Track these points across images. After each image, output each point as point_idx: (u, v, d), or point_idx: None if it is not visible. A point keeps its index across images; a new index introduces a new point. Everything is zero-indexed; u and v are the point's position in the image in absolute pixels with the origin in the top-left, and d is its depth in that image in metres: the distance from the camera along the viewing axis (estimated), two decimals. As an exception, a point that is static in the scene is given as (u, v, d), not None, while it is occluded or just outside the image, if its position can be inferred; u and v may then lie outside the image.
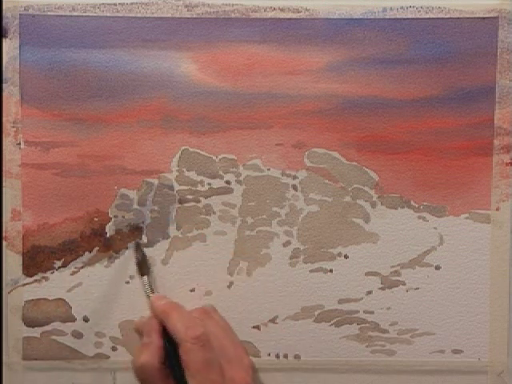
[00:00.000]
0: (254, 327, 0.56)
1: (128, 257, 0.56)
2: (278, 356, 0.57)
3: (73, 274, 0.56)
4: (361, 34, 0.55)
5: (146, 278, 0.55)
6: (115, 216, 0.56)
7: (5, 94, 0.55)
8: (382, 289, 0.56)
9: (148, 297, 0.54)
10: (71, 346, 0.57)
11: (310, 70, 0.55)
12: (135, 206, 0.56)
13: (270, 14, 0.55)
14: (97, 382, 0.57)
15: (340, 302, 0.56)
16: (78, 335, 0.57)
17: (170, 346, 0.50)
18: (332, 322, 0.56)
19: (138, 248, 0.56)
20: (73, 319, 0.57)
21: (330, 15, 0.55)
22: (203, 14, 0.55)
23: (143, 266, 0.55)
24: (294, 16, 0.55)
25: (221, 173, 0.56)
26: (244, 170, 0.56)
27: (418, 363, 0.57)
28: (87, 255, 0.56)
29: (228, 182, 0.56)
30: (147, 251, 0.56)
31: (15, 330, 0.56)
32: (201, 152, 0.56)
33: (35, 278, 0.56)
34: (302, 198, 0.56)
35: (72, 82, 0.55)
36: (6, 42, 0.55)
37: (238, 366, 0.51)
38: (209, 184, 0.56)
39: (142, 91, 0.55)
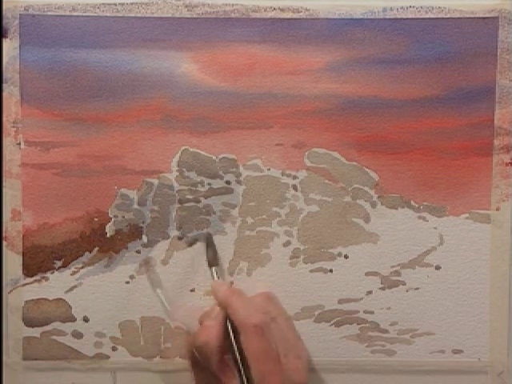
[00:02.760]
0: (254, 327, 0.56)
1: (128, 256, 0.56)
2: (278, 356, 0.57)
3: (73, 274, 0.56)
4: (361, 34, 0.55)
5: (214, 268, 0.55)
6: (115, 216, 0.56)
7: (5, 94, 0.55)
8: (382, 289, 0.56)
9: None
10: (71, 346, 0.57)
11: (309, 70, 0.55)
12: (135, 206, 0.56)
13: (270, 14, 0.55)
14: (97, 382, 0.57)
15: (340, 302, 0.56)
16: (77, 335, 0.57)
17: (231, 334, 0.51)
18: (332, 322, 0.56)
19: (210, 240, 0.56)
20: (73, 319, 0.57)
21: (330, 15, 0.55)
22: (203, 14, 0.55)
23: (215, 257, 0.55)
24: (294, 16, 0.55)
25: (221, 173, 0.56)
26: (244, 170, 0.56)
27: (418, 363, 0.57)
28: (87, 255, 0.56)
29: (228, 182, 0.56)
30: (147, 251, 0.56)
31: (15, 329, 0.56)
32: (201, 152, 0.56)
33: (35, 278, 0.56)
34: (302, 198, 0.56)
35: (72, 82, 0.55)
36: (5, 42, 0.55)
37: (297, 358, 0.51)
38: (209, 184, 0.56)
39: (142, 91, 0.55)
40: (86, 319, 0.57)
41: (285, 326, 0.52)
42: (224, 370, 0.51)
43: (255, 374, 0.49)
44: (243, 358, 0.50)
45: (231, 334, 0.51)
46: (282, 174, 0.56)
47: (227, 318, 0.51)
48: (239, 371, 0.50)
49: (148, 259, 0.56)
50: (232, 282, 0.56)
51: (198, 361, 0.51)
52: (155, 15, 0.55)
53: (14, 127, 0.55)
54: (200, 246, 0.56)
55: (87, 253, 0.56)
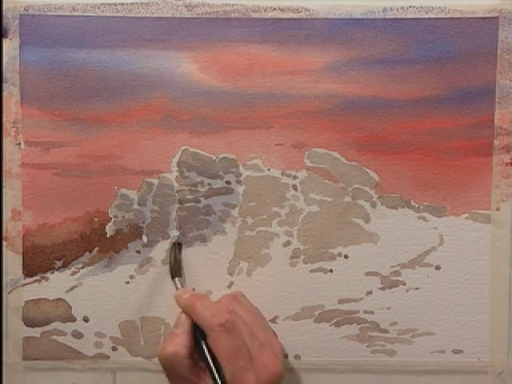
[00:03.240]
0: (254, 327, 0.56)
1: (128, 256, 0.56)
2: (278, 356, 0.57)
3: (73, 274, 0.56)
4: (361, 34, 0.55)
5: (177, 279, 0.55)
6: (115, 216, 0.56)
7: (5, 94, 0.55)
8: (382, 289, 0.56)
9: None
10: (71, 346, 0.57)
11: (309, 70, 0.55)
12: (135, 206, 0.56)
13: (270, 14, 0.55)
14: (97, 382, 0.57)
15: (340, 301, 0.56)
16: (77, 335, 0.57)
17: (200, 338, 0.51)
18: (332, 322, 0.56)
19: (176, 249, 0.56)
20: (73, 319, 0.57)
21: (330, 15, 0.55)
22: (203, 14, 0.55)
23: (177, 268, 0.55)
24: (294, 16, 0.55)
25: (221, 173, 0.56)
26: (244, 170, 0.56)
27: (418, 363, 0.57)
28: (87, 255, 0.56)
29: (228, 182, 0.56)
30: (147, 251, 0.56)
31: (15, 329, 0.56)
32: (201, 152, 0.56)
33: (35, 278, 0.56)
34: (302, 198, 0.56)
35: (72, 82, 0.55)
36: (6, 42, 0.55)
37: (269, 350, 0.51)
38: (209, 184, 0.56)
39: (142, 91, 0.55)
40: (85, 319, 0.57)
41: (253, 322, 0.52)
42: (199, 376, 0.51)
43: (227, 373, 0.49)
44: (214, 360, 0.50)
45: (199, 336, 0.51)
46: (282, 174, 0.56)
47: (194, 323, 0.51)
48: (212, 373, 0.50)
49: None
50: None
51: (171, 369, 0.51)
52: (155, 15, 0.55)
53: (13, 127, 0.55)
54: (195, 248, 0.56)
55: (87, 253, 0.56)
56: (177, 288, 0.54)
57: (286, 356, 0.57)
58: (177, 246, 0.56)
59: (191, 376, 0.50)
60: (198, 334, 0.51)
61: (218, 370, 0.50)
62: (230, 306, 0.52)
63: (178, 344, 0.51)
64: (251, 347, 0.50)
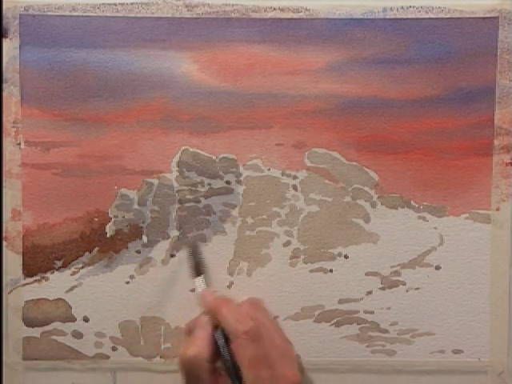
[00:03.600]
0: (254, 327, 0.56)
1: (128, 256, 0.56)
2: (278, 356, 0.57)
3: (73, 274, 0.56)
4: (361, 34, 0.55)
5: (201, 277, 0.55)
6: (115, 216, 0.56)
7: (5, 94, 0.55)
8: (382, 289, 0.56)
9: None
10: (71, 346, 0.57)
11: (309, 70, 0.55)
12: (135, 206, 0.56)
13: (270, 14, 0.55)
14: (97, 382, 0.57)
15: (340, 301, 0.56)
16: (77, 335, 0.57)
17: (222, 343, 0.50)
18: (332, 322, 0.56)
19: (197, 248, 0.56)
20: (73, 319, 0.57)
21: (330, 15, 0.55)
22: (203, 14, 0.55)
23: (200, 266, 0.55)
24: (294, 16, 0.55)
25: (221, 173, 0.56)
26: (244, 170, 0.56)
27: (418, 363, 0.57)
28: (87, 255, 0.56)
29: (228, 183, 0.56)
30: (147, 251, 0.56)
31: (15, 329, 0.56)
32: (201, 152, 0.56)
33: (35, 278, 0.56)
34: (302, 198, 0.56)
35: (72, 82, 0.55)
36: (6, 42, 0.55)
37: (289, 361, 0.51)
38: (209, 184, 0.56)
39: (142, 91, 0.55)
40: (86, 319, 0.57)
41: (274, 330, 0.52)
42: (217, 380, 0.50)
43: (249, 381, 0.48)
44: (235, 366, 0.49)
45: (222, 342, 0.50)
46: (282, 174, 0.56)
47: (216, 326, 0.51)
48: (232, 380, 0.49)
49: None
50: (231, 285, 0.56)
51: (191, 372, 0.50)
52: (155, 15, 0.55)
53: (14, 127, 0.55)
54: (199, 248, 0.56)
55: (87, 253, 0.56)
56: (199, 287, 0.54)
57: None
58: (196, 245, 0.56)
59: (210, 380, 0.50)
60: (220, 338, 0.51)
61: (239, 377, 0.49)
62: (251, 312, 0.51)
63: (200, 347, 0.50)
64: (272, 356, 0.49)
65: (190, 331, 0.52)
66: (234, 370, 0.49)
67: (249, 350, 0.49)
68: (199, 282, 0.54)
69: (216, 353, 0.51)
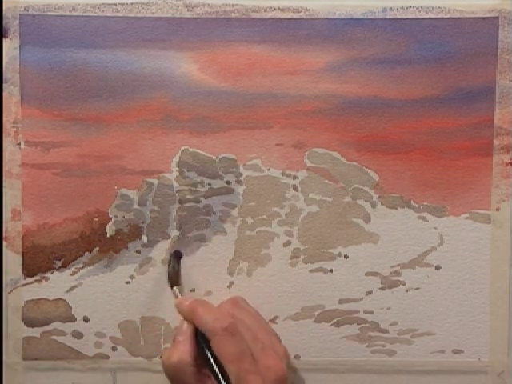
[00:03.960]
0: (254, 327, 0.56)
1: (128, 256, 0.56)
2: (278, 356, 0.57)
3: (73, 274, 0.56)
4: (361, 34, 0.55)
5: (176, 288, 0.54)
6: (115, 216, 0.56)
7: (5, 94, 0.55)
8: (382, 289, 0.56)
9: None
10: (71, 346, 0.57)
11: (309, 70, 0.55)
12: (135, 206, 0.56)
13: (270, 14, 0.55)
14: (97, 382, 0.57)
15: (340, 301, 0.56)
16: (77, 335, 0.57)
17: (203, 344, 0.51)
18: (332, 322, 0.56)
19: (176, 257, 0.55)
20: (73, 319, 0.57)
21: (330, 15, 0.55)
22: (203, 14, 0.55)
23: (176, 277, 0.55)
24: (294, 16, 0.55)
25: (221, 173, 0.56)
26: (244, 170, 0.56)
27: (418, 363, 0.57)
28: (87, 255, 0.56)
29: (228, 183, 0.56)
30: (147, 251, 0.56)
31: (15, 329, 0.56)
32: (201, 152, 0.56)
33: (35, 278, 0.56)
34: (302, 198, 0.56)
35: (72, 82, 0.55)
36: (6, 42, 0.55)
37: (273, 353, 0.51)
38: (209, 184, 0.56)
39: (142, 91, 0.55)
40: (85, 319, 0.57)
41: (255, 326, 0.52)
42: (204, 382, 0.50)
43: (232, 376, 0.49)
44: (218, 365, 0.49)
45: (203, 342, 0.50)
46: (282, 174, 0.56)
47: (196, 329, 0.51)
48: (217, 378, 0.49)
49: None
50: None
51: (177, 378, 0.50)
52: (155, 15, 0.55)
53: (14, 127, 0.55)
54: (195, 248, 0.56)
55: (87, 253, 0.56)
56: (176, 297, 0.54)
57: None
58: (175, 255, 0.56)
59: (196, 383, 0.50)
60: (200, 339, 0.51)
61: (223, 374, 0.49)
62: (231, 310, 0.52)
63: (182, 351, 0.50)
64: (255, 350, 0.50)
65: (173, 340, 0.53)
66: (218, 367, 0.50)
67: (229, 345, 0.49)
68: (176, 292, 0.54)
69: (200, 355, 0.51)
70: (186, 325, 0.52)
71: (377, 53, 0.55)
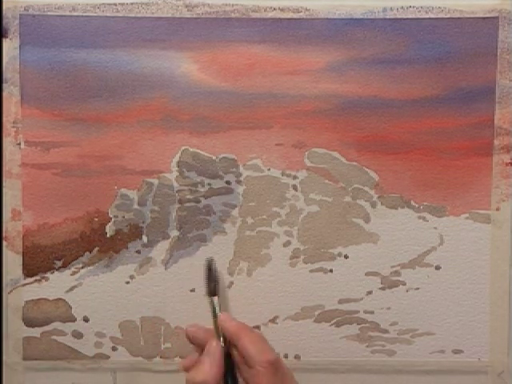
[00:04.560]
0: (254, 327, 0.56)
1: (128, 256, 0.56)
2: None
3: (73, 274, 0.56)
4: (361, 34, 0.55)
5: (215, 298, 0.53)
6: (115, 216, 0.56)
7: (5, 94, 0.55)
8: (382, 289, 0.56)
9: (215, 316, 0.53)
10: (71, 346, 0.57)
11: (309, 70, 0.55)
12: (135, 206, 0.56)
13: (270, 14, 0.55)
14: (97, 382, 0.57)
15: (340, 301, 0.56)
16: (78, 335, 0.57)
17: (232, 369, 0.50)
18: (332, 322, 0.56)
19: (213, 268, 0.55)
20: (73, 319, 0.57)
21: (330, 15, 0.55)
22: (203, 14, 0.55)
23: (216, 287, 0.54)
24: (294, 16, 0.55)
25: (221, 173, 0.56)
26: (244, 170, 0.56)
27: (418, 363, 0.57)
28: (87, 255, 0.56)
29: (228, 183, 0.56)
30: (147, 251, 0.56)
31: (15, 329, 0.56)
32: (201, 152, 0.56)
33: (35, 278, 0.56)
34: (302, 198, 0.56)
35: (72, 82, 0.55)
36: (6, 42, 0.55)
37: None
38: (209, 184, 0.56)
39: (142, 91, 0.55)
40: (86, 319, 0.57)
41: (286, 369, 0.51)
42: None
43: None
44: None
45: (232, 370, 0.50)
46: (282, 174, 0.56)
47: (228, 353, 0.51)
48: None
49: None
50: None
51: None
52: (155, 15, 0.55)
53: (14, 127, 0.55)
54: (195, 248, 0.56)
55: (87, 253, 0.56)
56: (214, 307, 0.53)
57: (286, 356, 0.57)
58: (213, 263, 0.55)
59: None
60: (231, 366, 0.50)
61: None
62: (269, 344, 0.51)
63: (208, 374, 0.49)
64: None
65: (193, 341, 0.52)
66: None
67: (269, 380, 0.48)
68: (215, 303, 0.53)
69: (224, 380, 0.50)
70: (214, 345, 0.51)
71: (377, 53, 0.55)
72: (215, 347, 0.51)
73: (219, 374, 0.50)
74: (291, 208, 0.56)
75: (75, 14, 0.55)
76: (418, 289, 0.56)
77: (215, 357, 0.50)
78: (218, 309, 0.53)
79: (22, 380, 0.57)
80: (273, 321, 0.56)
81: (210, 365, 0.50)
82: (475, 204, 0.56)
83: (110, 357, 0.57)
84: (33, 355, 0.57)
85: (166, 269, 0.56)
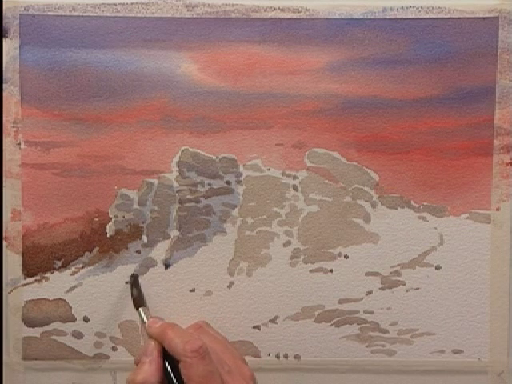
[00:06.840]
0: (254, 327, 0.56)
1: (128, 256, 0.56)
2: (278, 356, 0.57)
3: (73, 274, 0.56)
4: (361, 34, 0.55)
5: (141, 309, 0.53)
6: (115, 216, 0.56)
7: (5, 94, 0.55)
8: (382, 289, 0.56)
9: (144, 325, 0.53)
10: (71, 345, 0.57)
11: (310, 70, 0.55)
12: (135, 206, 0.56)
13: (270, 14, 0.55)
14: (97, 382, 0.57)
15: (340, 302, 0.56)
16: (78, 335, 0.57)
17: (170, 366, 0.50)
18: (332, 322, 0.57)
19: (135, 282, 0.55)
20: (73, 319, 0.57)
21: (330, 15, 0.55)
22: (203, 14, 0.55)
23: (140, 299, 0.54)
24: (294, 16, 0.55)
25: (221, 173, 0.56)
26: (244, 170, 0.56)
27: (418, 363, 0.57)
28: (87, 255, 0.56)
29: (228, 183, 0.56)
30: (147, 251, 0.56)
31: (15, 329, 0.56)
32: (201, 152, 0.56)
33: (35, 278, 0.56)
34: (302, 198, 0.56)
35: (72, 82, 0.55)
36: (6, 42, 0.55)
37: (239, 376, 0.51)
38: (209, 184, 0.56)
39: (142, 91, 0.55)
40: (86, 319, 0.57)
41: (220, 349, 0.51)
42: None
43: None
44: None
45: (170, 365, 0.50)
46: (282, 174, 0.56)
47: (163, 351, 0.50)
48: None
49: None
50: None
51: None
52: (155, 15, 0.55)
53: (14, 127, 0.55)
54: (195, 248, 0.56)
55: (87, 253, 0.56)
56: (142, 318, 0.53)
57: (286, 356, 0.57)
58: (134, 278, 0.56)
59: None
60: (167, 361, 0.50)
61: None
62: (197, 335, 0.51)
63: (147, 373, 0.49)
64: (222, 373, 0.49)
65: (138, 361, 0.52)
66: None
67: (199, 368, 0.48)
68: (142, 313, 0.53)
69: (165, 377, 0.50)
70: (152, 346, 0.51)
71: (377, 53, 0.55)
72: (153, 346, 0.51)
73: (159, 372, 0.50)
74: (291, 208, 0.56)
75: (75, 14, 0.55)
76: (418, 289, 0.56)
77: (153, 356, 0.50)
78: (145, 318, 0.52)
79: (22, 380, 0.57)
80: (273, 321, 0.56)
81: (149, 363, 0.50)
82: (475, 204, 0.56)
83: (109, 357, 0.57)
84: (33, 355, 0.57)
85: (165, 269, 0.56)
